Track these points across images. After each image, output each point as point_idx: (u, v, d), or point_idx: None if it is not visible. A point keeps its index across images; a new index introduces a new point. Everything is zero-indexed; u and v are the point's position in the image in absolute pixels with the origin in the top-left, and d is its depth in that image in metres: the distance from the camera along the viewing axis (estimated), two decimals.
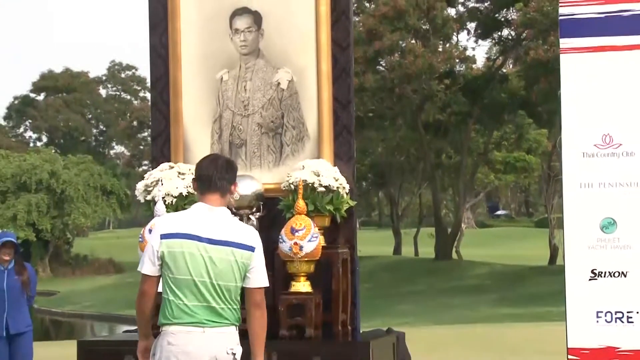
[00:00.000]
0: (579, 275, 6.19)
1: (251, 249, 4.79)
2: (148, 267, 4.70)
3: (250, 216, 6.80)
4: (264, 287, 4.83)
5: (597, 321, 6.16)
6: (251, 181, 6.87)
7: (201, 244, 4.70)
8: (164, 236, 4.71)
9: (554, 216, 39.56)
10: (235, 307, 4.77)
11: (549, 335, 14.34)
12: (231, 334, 4.75)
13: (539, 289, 30.07)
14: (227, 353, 4.71)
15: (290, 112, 7.16)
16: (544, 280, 31.29)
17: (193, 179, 4.94)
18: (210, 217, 4.77)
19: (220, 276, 4.71)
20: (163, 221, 4.86)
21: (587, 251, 6.19)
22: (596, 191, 6.21)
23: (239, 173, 6.88)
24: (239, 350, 4.77)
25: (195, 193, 4.92)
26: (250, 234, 4.85)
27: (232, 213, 6.54)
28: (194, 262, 4.68)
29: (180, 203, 6.83)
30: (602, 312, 6.17)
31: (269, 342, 6.41)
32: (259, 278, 4.80)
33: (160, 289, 4.80)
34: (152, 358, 4.77)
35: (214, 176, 4.79)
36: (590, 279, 6.19)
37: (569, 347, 6.19)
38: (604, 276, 6.17)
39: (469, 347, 14.19)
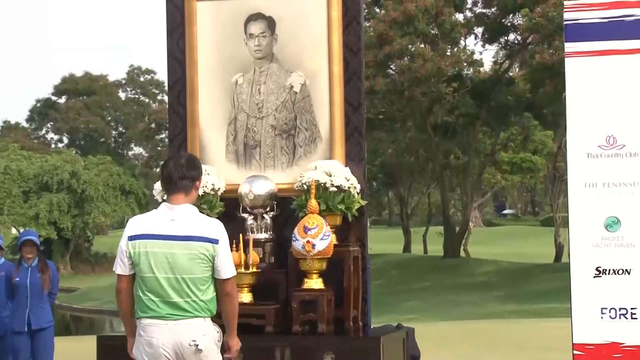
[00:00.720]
0: (584, 273, 6.27)
1: (214, 241, 4.99)
2: (119, 267, 5.06)
3: (265, 215, 6.95)
4: (232, 277, 5.07)
5: (602, 317, 6.24)
6: (265, 181, 7.01)
7: (163, 242, 4.96)
8: (130, 238, 5.02)
9: (559, 215, 39.57)
10: (200, 299, 4.98)
11: (554, 331, 14.43)
12: (196, 325, 4.96)
13: (544, 286, 30.10)
14: (190, 345, 4.93)
15: (303, 115, 7.26)
16: (550, 278, 31.31)
17: (160, 178, 5.26)
18: (172, 215, 5.01)
19: (183, 270, 4.95)
20: (130, 224, 5.12)
21: (592, 249, 6.27)
22: (600, 191, 6.30)
23: (253, 173, 7.12)
24: (202, 341, 4.95)
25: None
26: (212, 227, 5.05)
27: (247, 212, 6.73)
28: (157, 260, 4.96)
29: (197, 202, 6.95)
30: (606, 308, 6.26)
31: (283, 337, 6.61)
32: (226, 269, 5.02)
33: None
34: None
35: (174, 176, 5.06)
36: (595, 277, 6.27)
37: (574, 342, 6.26)
38: (609, 273, 6.25)
39: (476, 342, 14.28)
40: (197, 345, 4.92)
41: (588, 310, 6.27)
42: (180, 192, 5.05)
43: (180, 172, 5.05)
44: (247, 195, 6.95)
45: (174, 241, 4.95)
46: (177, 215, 5.00)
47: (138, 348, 5.01)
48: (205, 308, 4.99)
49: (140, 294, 4.99)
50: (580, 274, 6.29)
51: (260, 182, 6.95)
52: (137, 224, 5.06)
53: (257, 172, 7.25)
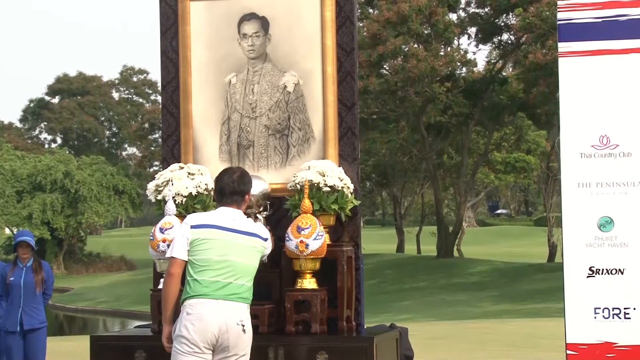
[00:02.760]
0: (577, 273, 6.29)
1: (265, 239, 5.64)
2: (178, 251, 5.38)
3: (258, 215, 6.94)
4: None
5: (595, 317, 6.26)
6: (258, 181, 6.99)
7: (228, 232, 5.43)
8: (194, 226, 5.42)
9: (553, 215, 39.66)
10: (248, 286, 5.45)
11: (547, 330, 14.49)
12: (242, 309, 5.42)
13: (538, 286, 30.17)
14: (237, 324, 5.31)
15: (297, 114, 7.26)
16: (543, 278, 31.39)
17: (213, 189, 5.69)
18: (232, 216, 5.53)
19: (245, 258, 5.47)
20: (191, 216, 5.53)
21: (585, 249, 6.29)
22: (594, 191, 6.32)
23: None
24: (248, 324, 5.39)
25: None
26: (263, 228, 5.72)
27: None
28: (218, 245, 5.42)
29: (190, 202, 6.95)
30: (599, 308, 6.28)
31: (277, 337, 6.60)
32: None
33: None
34: (173, 335, 5.35)
35: (227, 191, 5.57)
36: (588, 276, 6.29)
37: (567, 342, 6.28)
38: (602, 273, 6.28)
39: (470, 342, 14.31)
40: (244, 326, 5.36)
41: (581, 310, 6.29)
42: (232, 204, 5.57)
43: (231, 187, 5.57)
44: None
45: (238, 234, 5.45)
46: (236, 217, 5.52)
47: (184, 325, 5.24)
48: (249, 296, 5.48)
49: (195, 277, 5.32)
50: (573, 274, 6.31)
51: (254, 182, 6.90)
52: (201, 216, 5.50)
53: (251, 172, 7.23)
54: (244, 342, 5.38)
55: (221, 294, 5.32)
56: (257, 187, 6.88)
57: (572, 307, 6.30)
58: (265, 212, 6.97)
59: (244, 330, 5.36)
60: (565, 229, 6.37)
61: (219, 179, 5.64)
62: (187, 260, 5.40)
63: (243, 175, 5.68)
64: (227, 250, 5.40)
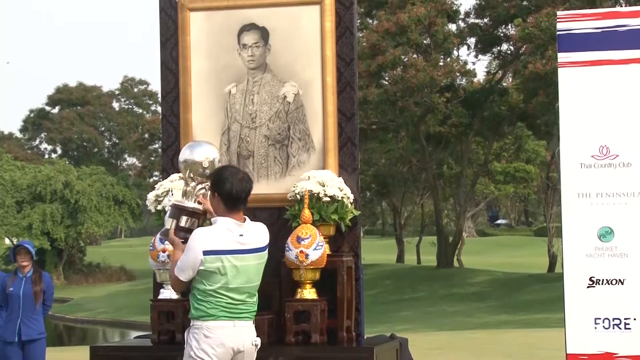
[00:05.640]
0: (577, 283, 6.28)
1: (267, 247, 5.48)
2: (187, 275, 5.25)
3: (203, 183, 5.83)
4: None
5: (595, 327, 6.25)
6: (210, 147, 6.00)
7: (235, 257, 5.27)
8: (205, 253, 5.20)
9: (553, 225, 39.63)
10: (255, 302, 5.48)
11: (547, 341, 14.47)
12: (252, 327, 5.44)
13: (538, 296, 30.14)
14: (252, 344, 5.38)
15: (296, 125, 7.27)
16: (543, 288, 31.36)
17: (217, 193, 5.30)
18: (240, 231, 5.31)
19: (250, 279, 5.37)
20: (203, 238, 5.26)
21: (585, 259, 6.28)
22: (594, 201, 6.31)
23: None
24: (258, 341, 5.43)
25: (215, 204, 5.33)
26: (264, 233, 5.47)
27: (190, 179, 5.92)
28: (230, 274, 5.25)
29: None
30: (600, 318, 6.27)
31: (276, 347, 6.60)
32: None
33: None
34: (186, 347, 5.28)
35: (242, 194, 5.31)
36: (588, 287, 6.28)
37: (568, 352, 6.27)
38: (602, 283, 6.26)
39: (470, 352, 14.29)
40: (257, 345, 5.42)
41: (582, 321, 6.28)
42: (243, 207, 5.36)
43: (242, 189, 5.32)
44: (202, 162, 5.80)
45: (247, 254, 5.31)
46: (244, 231, 5.31)
47: (204, 349, 5.20)
48: (256, 310, 5.50)
49: (209, 299, 5.23)
50: (573, 284, 6.30)
51: (207, 149, 5.91)
52: (212, 239, 5.23)
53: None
54: (253, 359, 5.47)
55: (236, 314, 5.30)
56: (213, 154, 5.96)
57: (572, 318, 6.29)
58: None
59: (256, 348, 5.45)
60: (566, 239, 6.37)
61: (226, 183, 5.28)
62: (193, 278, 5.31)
63: (247, 174, 5.50)
64: (239, 277, 5.30)
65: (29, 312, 8.76)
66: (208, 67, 7.40)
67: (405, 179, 46.05)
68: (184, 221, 5.52)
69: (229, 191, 5.27)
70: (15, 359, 8.75)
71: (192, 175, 5.54)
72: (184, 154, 5.75)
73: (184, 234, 5.46)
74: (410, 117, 36.05)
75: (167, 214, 5.62)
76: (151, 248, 6.73)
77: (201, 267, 5.22)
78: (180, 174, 6.91)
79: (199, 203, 5.64)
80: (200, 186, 5.60)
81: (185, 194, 5.63)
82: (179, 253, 5.34)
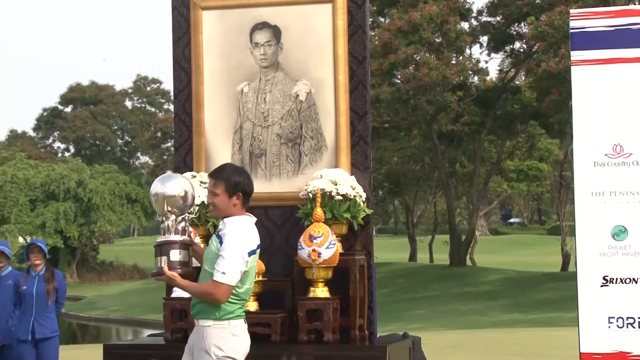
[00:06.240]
0: (590, 282, 6.26)
1: None
2: (236, 278, 5.11)
3: (183, 216, 5.55)
4: None
5: (609, 327, 6.23)
6: (183, 180, 5.56)
7: (257, 253, 5.27)
8: (250, 253, 5.16)
9: (566, 224, 39.51)
10: None
11: (560, 340, 14.43)
12: None
13: (551, 295, 30.06)
14: None
15: (309, 123, 7.28)
16: (556, 287, 31.27)
17: (241, 192, 5.22)
18: (254, 227, 5.29)
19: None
20: (244, 238, 5.19)
21: (599, 258, 6.26)
22: (607, 199, 6.29)
23: (259, 182, 7.18)
24: None
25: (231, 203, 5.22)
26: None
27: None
28: (253, 270, 5.27)
29: (202, 211, 6.98)
30: (613, 317, 6.25)
31: (289, 346, 6.60)
32: None
33: None
34: (208, 347, 5.12)
35: (251, 192, 5.33)
36: (602, 285, 6.26)
37: (581, 352, 6.26)
38: (615, 282, 6.25)
39: (483, 351, 14.26)
40: None
41: (595, 320, 6.26)
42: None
43: (253, 186, 5.36)
44: (178, 195, 5.41)
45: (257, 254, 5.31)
46: (255, 228, 5.32)
47: (234, 349, 5.14)
48: None
49: (237, 299, 5.16)
50: (587, 283, 6.29)
51: (176, 181, 5.49)
52: (251, 238, 5.21)
53: (263, 181, 7.27)
54: None
55: (244, 312, 5.30)
56: (187, 186, 5.50)
57: (585, 317, 6.27)
58: (190, 215, 5.64)
59: None
60: (579, 237, 6.35)
61: (245, 180, 5.27)
62: None
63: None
64: (254, 274, 5.33)
65: (42, 310, 8.79)
66: (220, 65, 7.42)
67: (418, 178, 45.98)
68: (175, 255, 5.31)
69: (248, 189, 5.26)
70: (29, 358, 8.78)
71: (169, 209, 5.33)
72: (156, 188, 5.40)
73: (181, 267, 5.28)
74: (422, 116, 36.00)
75: (156, 254, 5.37)
76: None
77: (245, 269, 5.15)
78: (193, 173, 6.91)
79: (185, 233, 5.42)
80: (179, 219, 5.39)
81: (167, 229, 5.37)
82: (184, 282, 5.21)
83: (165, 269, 5.23)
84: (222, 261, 5.08)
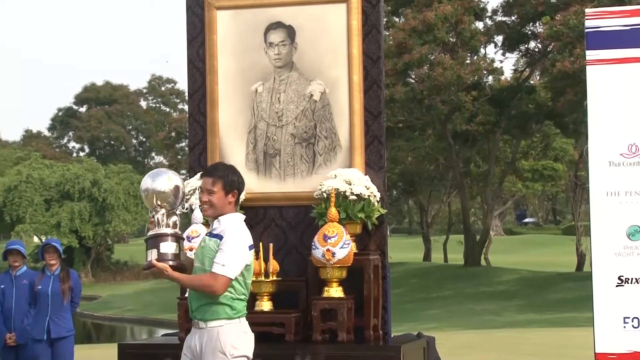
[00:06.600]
0: (606, 282, 6.25)
1: None
2: (236, 271, 5.08)
3: (174, 212, 5.45)
4: None
5: (624, 327, 6.22)
6: (172, 173, 5.51)
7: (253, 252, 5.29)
8: (250, 247, 5.17)
9: (581, 224, 39.39)
10: None
11: (575, 340, 14.38)
12: None
13: (566, 295, 29.97)
14: None
15: (323, 123, 7.28)
16: (571, 287, 31.17)
17: (237, 190, 5.23)
18: None
19: None
20: (245, 232, 5.20)
21: (614, 258, 6.25)
22: (622, 199, 6.28)
23: (273, 182, 7.27)
24: None
25: (229, 201, 5.21)
26: None
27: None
28: (252, 266, 5.28)
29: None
30: (629, 317, 6.23)
31: (303, 345, 6.60)
32: None
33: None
34: (223, 346, 5.08)
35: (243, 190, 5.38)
36: (617, 286, 6.25)
37: (596, 352, 6.25)
38: (631, 282, 6.23)
39: (497, 351, 14.23)
40: None
41: (610, 320, 6.25)
42: None
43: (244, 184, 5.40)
44: (170, 191, 5.34)
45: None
46: None
47: (247, 346, 5.15)
48: None
49: (243, 296, 5.16)
50: (602, 283, 6.27)
51: (166, 176, 5.42)
52: (247, 233, 5.22)
53: (277, 181, 7.28)
54: None
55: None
56: (177, 180, 5.46)
57: (601, 317, 6.26)
58: (180, 211, 5.58)
59: None
60: (594, 237, 6.33)
61: (240, 179, 5.29)
62: None
63: None
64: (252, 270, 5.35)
65: (57, 309, 8.81)
66: (235, 65, 7.43)
67: (432, 177, 45.93)
68: (166, 247, 5.21)
69: (242, 187, 5.30)
70: (44, 357, 8.80)
71: (159, 203, 5.25)
72: (146, 184, 5.34)
73: (172, 259, 5.18)
74: (437, 115, 35.95)
75: (147, 247, 5.30)
76: None
77: (247, 263, 5.14)
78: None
79: (176, 227, 5.34)
80: (170, 213, 5.31)
81: (158, 223, 5.28)
82: (176, 274, 5.14)
83: (155, 261, 5.14)
84: (222, 254, 5.05)
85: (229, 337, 5.08)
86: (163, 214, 5.29)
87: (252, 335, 5.20)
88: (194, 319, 5.19)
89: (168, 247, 5.21)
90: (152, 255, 5.20)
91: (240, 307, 5.13)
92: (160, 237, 5.23)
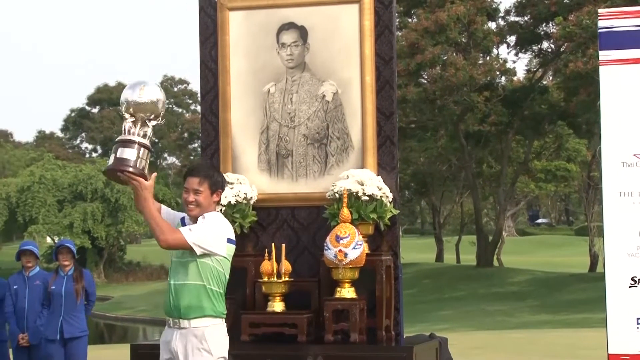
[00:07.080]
0: (619, 283, 6.23)
1: None
2: (199, 243, 5.01)
3: (147, 122, 5.22)
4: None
5: (638, 327, 6.18)
6: (156, 88, 5.33)
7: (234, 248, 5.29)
8: (229, 240, 5.18)
9: (594, 224, 39.31)
10: None
11: (588, 341, 14.35)
12: None
13: (579, 296, 29.91)
14: None
15: (335, 124, 7.28)
16: (584, 287, 31.12)
17: (221, 190, 5.29)
18: None
19: None
20: (227, 226, 5.21)
21: (627, 259, 6.22)
22: (636, 200, 6.24)
23: (285, 182, 7.24)
24: None
25: (215, 199, 5.27)
26: None
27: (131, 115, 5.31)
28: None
29: (230, 211, 7.00)
30: None
31: (315, 346, 6.60)
32: None
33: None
34: (209, 345, 5.09)
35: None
36: (630, 286, 6.22)
37: (609, 353, 6.23)
38: None
39: (509, 352, 14.22)
40: None
41: (623, 320, 6.22)
42: None
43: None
44: (153, 103, 5.19)
45: None
46: None
47: (226, 346, 5.16)
48: None
49: (223, 293, 5.17)
50: (615, 284, 6.25)
51: (150, 89, 5.25)
52: (230, 228, 5.22)
53: (289, 181, 7.28)
54: None
55: None
56: (155, 94, 5.26)
57: (614, 318, 6.24)
58: (154, 122, 5.27)
59: None
60: (607, 238, 6.31)
61: (219, 175, 5.35)
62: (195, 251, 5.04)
63: None
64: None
65: (70, 310, 8.84)
66: (247, 66, 7.43)
67: (445, 178, 45.91)
68: (130, 154, 4.93)
69: (225, 186, 5.38)
70: (57, 357, 8.83)
71: (132, 112, 5.03)
72: (126, 95, 5.12)
73: (134, 166, 4.91)
74: (449, 116, 35.94)
75: (112, 151, 5.02)
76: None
77: (224, 255, 5.09)
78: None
79: (147, 139, 5.09)
80: (143, 123, 5.08)
81: (127, 131, 5.01)
82: (149, 196, 4.99)
83: (131, 171, 4.93)
84: (195, 225, 5.05)
85: (214, 337, 5.09)
86: (133, 121, 5.07)
87: (227, 339, 5.21)
88: (174, 317, 5.16)
89: (130, 154, 4.97)
90: (112, 159, 4.98)
91: (223, 308, 5.16)
92: (125, 143, 4.99)
